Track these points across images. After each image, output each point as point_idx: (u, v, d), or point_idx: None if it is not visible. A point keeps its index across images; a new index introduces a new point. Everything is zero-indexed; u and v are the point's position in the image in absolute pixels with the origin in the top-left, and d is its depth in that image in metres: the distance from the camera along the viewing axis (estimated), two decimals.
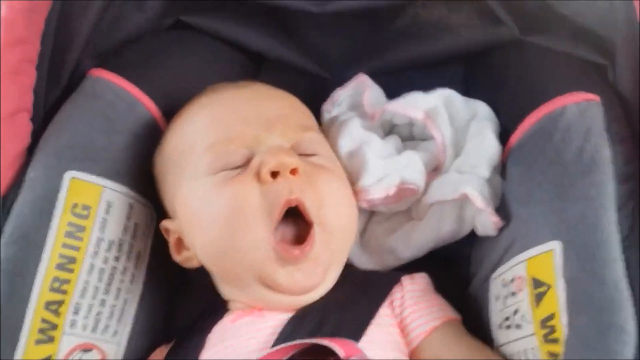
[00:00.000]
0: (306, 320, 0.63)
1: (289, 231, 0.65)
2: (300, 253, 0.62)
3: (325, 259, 0.64)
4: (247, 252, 0.63)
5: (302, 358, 0.58)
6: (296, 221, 0.64)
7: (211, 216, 0.64)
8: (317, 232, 0.63)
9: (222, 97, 0.72)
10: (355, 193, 0.71)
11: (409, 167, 0.72)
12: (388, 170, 0.72)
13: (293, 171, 0.63)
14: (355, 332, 0.61)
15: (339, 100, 0.80)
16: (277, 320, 0.64)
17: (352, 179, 0.72)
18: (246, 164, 0.65)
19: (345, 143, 0.74)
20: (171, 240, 0.71)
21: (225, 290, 0.69)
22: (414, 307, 0.66)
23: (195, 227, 0.66)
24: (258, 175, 0.63)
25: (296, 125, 0.69)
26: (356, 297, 0.66)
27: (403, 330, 0.65)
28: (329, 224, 0.64)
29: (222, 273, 0.68)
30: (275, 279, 0.63)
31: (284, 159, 0.63)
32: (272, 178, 0.63)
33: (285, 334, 0.62)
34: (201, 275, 0.71)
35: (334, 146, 0.74)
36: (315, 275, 0.64)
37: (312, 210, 0.63)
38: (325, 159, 0.69)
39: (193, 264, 0.70)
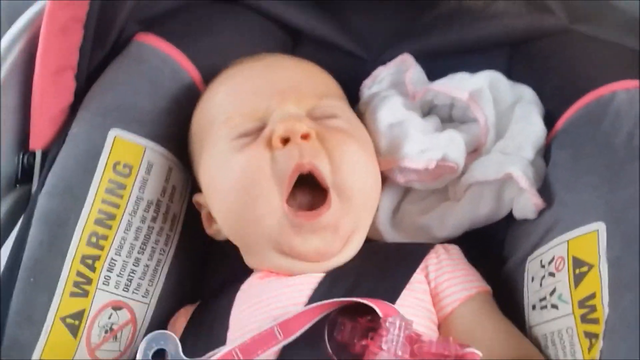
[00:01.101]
0: (340, 282, 0.62)
1: (306, 199, 0.64)
2: (312, 218, 0.61)
3: (345, 225, 0.64)
4: (262, 220, 0.62)
5: (337, 316, 0.57)
6: (315, 189, 0.64)
7: (226, 186, 0.64)
8: (333, 197, 0.62)
9: (238, 71, 0.73)
10: (393, 161, 0.71)
11: (451, 144, 0.71)
12: (430, 144, 0.71)
13: (305, 136, 0.62)
14: (391, 294, 0.61)
15: (380, 77, 0.80)
16: (307, 278, 0.63)
17: (393, 149, 0.72)
18: (258, 134, 0.65)
19: (386, 115, 0.73)
20: (203, 213, 0.71)
21: (250, 260, 0.69)
22: (450, 274, 0.66)
23: (214, 198, 0.67)
24: (270, 143, 0.62)
25: (312, 93, 0.69)
26: (390, 263, 0.66)
27: (436, 296, 0.65)
28: (346, 188, 0.63)
29: (243, 243, 0.68)
30: (292, 246, 0.62)
31: (294, 124, 0.62)
32: (282, 145, 0.62)
33: (320, 293, 0.61)
34: (232, 244, 0.71)
35: (372, 118, 0.74)
36: (334, 241, 0.63)
37: (327, 175, 0.62)
38: (345, 121, 0.68)
39: (223, 237, 0.70)
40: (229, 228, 0.67)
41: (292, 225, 0.62)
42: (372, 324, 0.55)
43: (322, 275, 0.63)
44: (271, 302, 0.62)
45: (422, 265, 0.66)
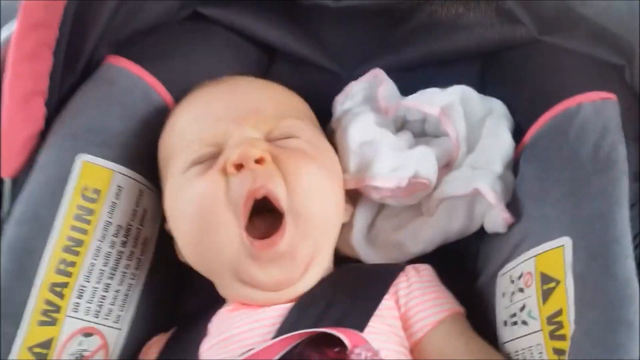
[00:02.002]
0: (308, 311, 0.62)
1: (267, 224, 0.63)
2: (268, 247, 0.60)
3: (303, 251, 0.62)
4: (221, 250, 0.61)
5: (305, 348, 0.57)
6: (275, 214, 0.62)
7: (185, 214, 0.64)
8: (289, 222, 0.61)
9: (198, 96, 0.72)
10: (364, 180, 0.70)
11: (422, 161, 0.71)
12: (401, 162, 0.71)
13: (259, 161, 0.61)
14: (359, 322, 0.60)
15: (353, 93, 0.80)
16: (276, 310, 0.63)
17: (364, 167, 0.71)
18: (215, 160, 0.64)
19: (357, 133, 0.73)
20: (175, 241, 0.70)
21: (219, 290, 0.68)
22: (420, 298, 0.65)
23: (176, 227, 0.66)
24: (225, 170, 0.62)
25: (271, 115, 0.68)
26: (360, 287, 0.65)
27: (406, 321, 0.64)
28: (303, 211, 0.62)
29: (206, 272, 0.67)
30: (251, 276, 0.61)
31: (247, 149, 0.61)
32: (237, 170, 0.61)
33: (288, 324, 0.61)
34: None
35: (343, 136, 0.74)
36: (293, 269, 0.62)
37: (282, 198, 0.61)
38: (305, 141, 0.66)
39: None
40: (191, 257, 0.66)
41: (249, 255, 0.61)
42: (340, 355, 0.55)
43: (290, 305, 0.63)
44: (241, 337, 0.61)
45: (392, 290, 0.65)
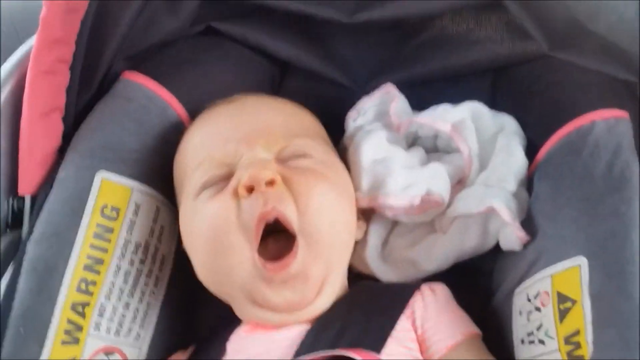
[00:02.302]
0: (325, 332, 0.62)
1: (280, 246, 0.63)
2: (280, 269, 0.60)
3: (315, 272, 0.62)
4: (234, 272, 0.62)
5: None
6: (287, 234, 0.62)
7: (197, 238, 0.64)
8: (301, 243, 0.61)
9: (210, 115, 0.72)
10: (376, 198, 0.71)
11: (435, 178, 0.72)
12: (413, 180, 0.72)
13: (270, 183, 0.61)
14: (376, 343, 0.60)
15: (365, 109, 0.80)
16: (293, 331, 0.63)
17: (376, 185, 0.72)
18: (227, 182, 0.64)
19: (369, 151, 0.73)
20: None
21: (233, 309, 0.68)
22: (435, 319, 0.65)
23: (189, 248, 0.67)
24: (236, 192, 0.62)
25: (283, 134, 0.67)
26: (375, 307, 0.65)
27: (423, 343, 0.64)
28: (313, 232, 0.61)
29: (219, 294, 0.67)
30: (264, 298, 0.61)
31: (258, 172, 0.61)
32: (248, 193, 0.61)
33: (306, 346, 0.61)
34: None
35: (355, 154, 0.74)
36: (306, 291, 0.62)
37: (293, 220, 0.61)
38: (316, 161, 0.66)
39: None
40: (205, 279, 0.66)
41: (262, 278, 0.61)
42: None
43: (306, 327, 0.63)
44: (261, 356, 0.62)
45: (408, 312, 0.65)
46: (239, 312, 0.67)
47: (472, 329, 0.66)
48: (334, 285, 0.66)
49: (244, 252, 0.61)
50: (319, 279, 0.63)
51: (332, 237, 0.64)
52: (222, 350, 0.64)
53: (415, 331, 0.65)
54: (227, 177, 0.64)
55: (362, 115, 0.80)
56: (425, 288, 0.68)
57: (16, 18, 0.96)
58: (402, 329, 0.64)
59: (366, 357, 0.56)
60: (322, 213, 0.63)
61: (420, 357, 0.64)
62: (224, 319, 0.68)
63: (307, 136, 0.70)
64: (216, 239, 0.62)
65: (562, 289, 0.61)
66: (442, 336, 0.64)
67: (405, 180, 0.72)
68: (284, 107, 0.74)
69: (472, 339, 0.65)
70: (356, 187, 0.72)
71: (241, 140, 0.66)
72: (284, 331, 0.63)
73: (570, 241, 0.62)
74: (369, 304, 0.66)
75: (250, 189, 0.61)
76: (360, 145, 0.75)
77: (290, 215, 0.61)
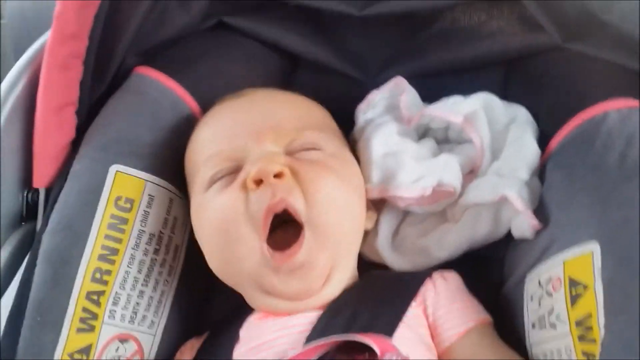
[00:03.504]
0: (337, 318, 0.62)
1: (288, 235, 0.64)
2: (287, 258, 0.61)
3: (322, 262, 0.63)
4: (242, 263, 0.63)
5: (335, 355, 0.58)
6: (295, 225, 0.63)
7: (207, 230, 0.65)
8: (308, 234, 0.62)
9: (220, 109, 0.73)
10: (387, 190, 0.71)
11: (446, 169, 0.72)
12: (424, 171, 0.72)
13: (278, 175, 0.62)
14: (388, 328, 0.61)
15: (375, 102, 0.80)
16: (304, 317, 0.64)
17: (387, 178, 0.72)
18: (236, 175, 0.65)
19: (380, 145, 0.74)
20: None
21: (245, 297, 0.69)
22: (446, 307, 0.66)
23: (200, 239, 0.68)
24: (244, 185, 0.63)
25: (292, 127, 0.68)
26: (386, 294, 0.66)
27: (434, 330, 0.65)
28: (321, 223, 0.62)
29: (230, 283, 0.68)
30: (273, 287, 0.63)
31: (266, 165, 0.62)
32: (256, 186, 0.62)
33: (317, 331, 0.62)
34: None
35: (366, 147, 0.75)
36: (313, 280, 0.63)
37: (301, 211, 0.62)
38: (325, 153, 0.67)
39: None
40: (216, 270, 0.67)
41: (270, 267, 0.62)
42: None
43: (318, 312, 0.64)
44: (273, 344, 0.62)
45: (419, 299, 0.66)
46: (250, 300, 0.68)
47: (483, 316, 0.66)
48: (343, 274, 0.67)
49: (252, 243, 0.62)
50: (325, 268, 0.64)
51: (339, 228, 0.64)
52: (235, 337, 0.65)
53: (427, 318, 0.66)
54: (236, 171, 0.65)
55: (372, 108, 0.81)
56: (436, 275, 0.69)
57: (28, 15, 0.98)
58: (414, 315, 0.64)
59: (378, 341, 0.56)
60: (329, 205, 0.63)
61: (431, 343, 0.64)
62: (237, 307, 0.69)
63: (318, 129, 0.71)
64: (225, 230, 0.63)
65: (574, 275, 0.61)
66: (454, 323, 0.64)
67: (416, 172, 0.72)
68: (294, 100, 0.75)
69: (483, 325, 0.65)
70: (366, 180, 0.73)
71: (250, 134, 0.67)
72: (296, 318, 0.64)
73: (583, 228, 0.62)
74: (380, 291, 0.66)
75: (259, 182, 0.62)
76: (370, 138, 0.75)
77: (298, 207, 0.62)
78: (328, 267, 0.64)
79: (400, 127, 0.77)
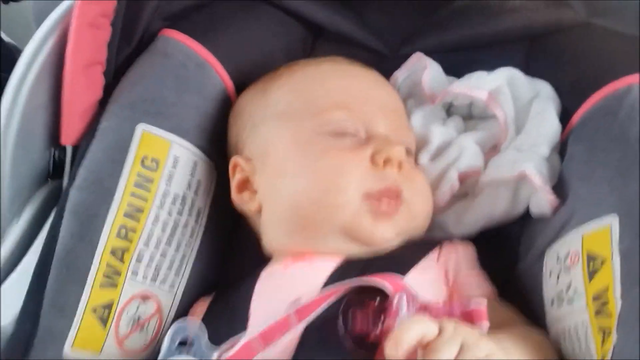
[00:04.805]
0: (354, 265, 0.64)
1: None
2: (391, 207, 0.66)
3: (402, 226, 0.68)
4: (338, 208, 0.65)
5: (349, 301, 0.59)
6: None
7: (315, 171, 0.67)
8: (403, 209, 0.67)
9: (349, 68, 0.76)
10: None
11: (463, 154, 0.73)
12: (442, 167, 0.74)
13: (399, 164, 0.67)
14: (400, 269, 0.63)
15: (397, 85, 0.81)
16: (327, 265, 0.65)
17: None
18: (357, 136, 0.69)
19: None
20: (237, 178, 0.73)
21: (286, 238, 0.70)
22: (468, 272, 0.68)
23: (289, 175, 0.69)
24: (372, 157, 0.67)
25: (402, 123, 0.75)
26: (405, 249, 0.68)
27: (453, 294, 0.67)
28: (414, 210, 0.68)
29: (298, 220, 0.68)
30: (364, 231, 0.66)
31: (399, 154, 0.67)
32: (384, 165, 0.67)
33: (335, 277, 0.63)
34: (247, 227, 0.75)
35: None
36: (393, 233, 0.67)
37: (406, 198, 0.68)
38: (411, 159, 0.74)
39: (250, 207, 0.72)
40: (290, 204, 0.68)
41: (370, 212, 0.66)
42: (380, 306, 0.57)
43: (339, 260, 0.65)
44: (290, 289, 0.63)
45: (442, 260, 0.68)
46: (288, 241, 0.69)
47: (492, 288, 0.69)
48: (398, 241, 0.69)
49: (355, 197, 0.65)
50: (401, 230, 0.68)
51: (424, 219, 0.71)
52: (250, 291, 0.66)
53: (447, 281, 0.67)
54: (358, 133, 0.69)
55: None
56: (458, 242, 0.71)
57: None
58: (434, 273, 0.67)
59: (389, 279, 0.58)
60: (426, 205, 0.71)
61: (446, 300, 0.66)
62: (250, 266, 0.70)
63: (410, 130, 0.77)
64: (335, 180, 0.66)
65: (593, 248, 0.61)
66: (473, 287, 0.67)
67: (437, 169, 0.74)
68: (396, 92, 0.80)
69: (495, 296, 0.68)
70: None
71: (380, 109, 0.72)
72: (318, 265, 0.65)
73: (604, 201, 0.63)
74: (402, 246, 0.68)
75: (387, 162, 0.67)
76: None
77: (405, 196, 0.68)
78: (402, 232, 0.68)
79: (424, 111, 0.78)
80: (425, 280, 0.64)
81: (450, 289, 0.67)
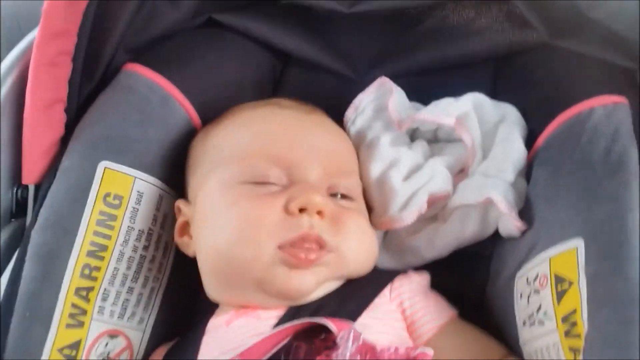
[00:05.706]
0: (303, 309, 0.64)
1: None
2: (310, 255, 0.63)
3: (328, 273, 0.65)
4: (251, 261, 0.63)
5: (296, 340, 0.58)
6: None
7: (227, 221, 0.65)
8: (329, 256, 0.65)
9: (282, 112, 0.74)
10: (389, 223, 0.73)
11: (435, 178, 0.73)
12: (414, 188, 0.73)
13: (320, 213, 0.64)
14: (351, 314, 0.62)
15: (362, 107, 0.80)
16: (271, 316, 0.64)
17: (384, 206, 0.74)
18: (278, 184, 0.67)
19: (375, 168, 0.75)
20: (179, 220, 0.72)
21: (216, 290, 0.69)
22: (424, 302, 0.67)
23: (208, 224, 0.68)
24: (286, 206, 0.64)
25: (339, 166, 0.71)
26: (357, 287, 0.67)
27: (412, 325, 0.66)
28: (345, 255, 0.66)
29: (219, 273, 0.68)
30: (279, 284, 0.63)
31: (315, 199, 0.64)
32: (298, 212, 0.64)
33: (287, 317, 0.63)
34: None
35: (364, 170, 0.76)
36: (312, 283, 0.64)
37: (330, 243, 0.65)
38: (357, 202, 0.71)
39: (188, 252, 0.71)
40: (210, 256, 0.67)
41: (281, 262, 0.63)
42: (327, 343, 0.56)
43: (282, 311, 0.64)
44: (236, 342, 0.62)
45: (394, 294, 0.67)
46: (225, 295, 0.68)
47: (453, 311, 0.69)
48: (334, 285, 0.68)
49: (268, 248, 0.63)
50: (323, 279, 0.65)
51: (361, 265, 0.69)
52: (197, 346, 0.65)
53: (403, 313, 0.67)
54: (277, 183, 0.67)
55: (360, 114, 0.80)
56: (410, 273, 0.70)
57: (19, 13, 0.97)
58: (387, 310, 0.66)
59: (337, 323, 0.57)
60: (359, 249, 0.68)
61: (407, 337, 0.65)
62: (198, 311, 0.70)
63: (354, 172, 0.74)
64: (248, 230, 0.64)
65: (560, 271, 0.61)
66: (432, 317, 0.66)
67: (408, 191, 0.74)
68: (343, 137, 0.77)
69: (456, 319, 0.68)
70: (368, 204, 0.75)
71: (307, 153, 0.69)
72: (264, 318, 0.64)
73: (568, 224, 0.63)
74: (351, 285, 0.68)
75: (302, 210, 0.64)
76: (366, 163, 0.76)
77: (329, 242, 0.64)
78: (325, 280, 0.66)
79: (392, 134, 0.78)
80: (377, 320, 0.64)
81: (409, 320, 0.66)
